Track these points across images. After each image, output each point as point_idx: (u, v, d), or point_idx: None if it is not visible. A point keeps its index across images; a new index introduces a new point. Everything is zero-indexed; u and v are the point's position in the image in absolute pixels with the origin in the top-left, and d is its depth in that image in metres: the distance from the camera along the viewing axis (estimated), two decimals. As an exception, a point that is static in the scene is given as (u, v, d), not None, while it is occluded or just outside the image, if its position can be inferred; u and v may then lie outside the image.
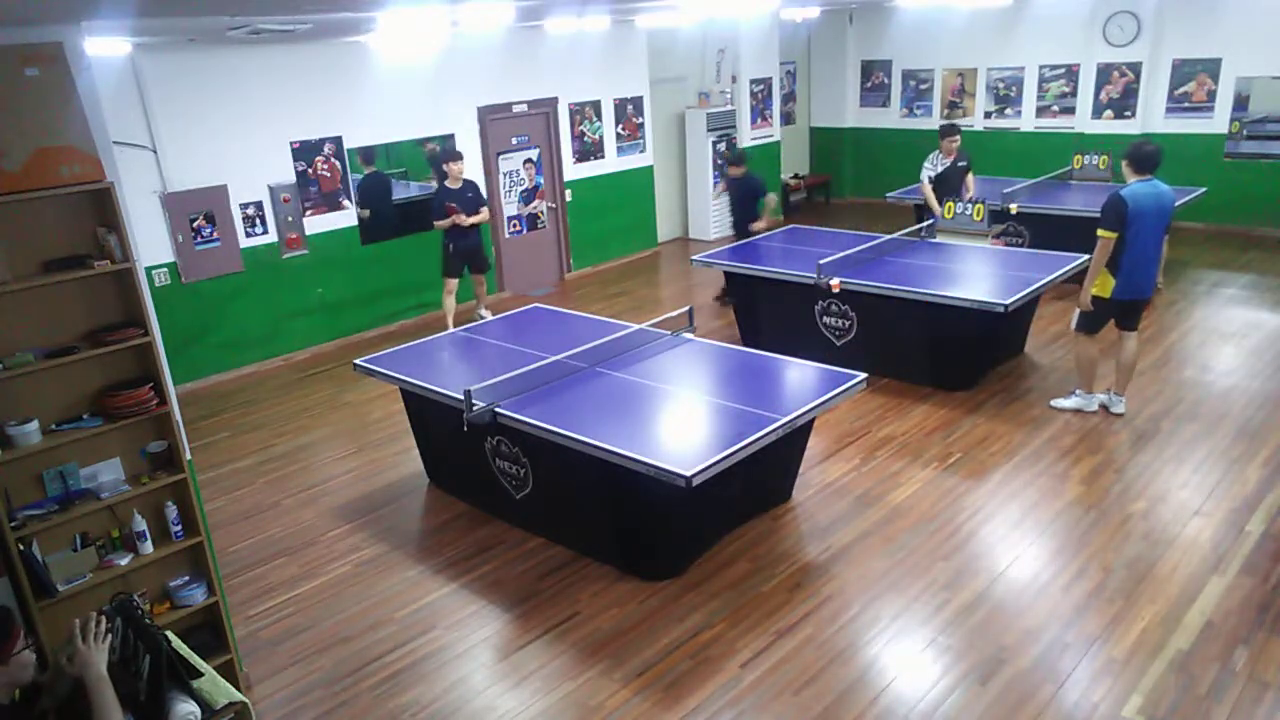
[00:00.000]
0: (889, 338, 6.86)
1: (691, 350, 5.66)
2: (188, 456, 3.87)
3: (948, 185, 8.62)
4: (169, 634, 3.07)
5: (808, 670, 4.01)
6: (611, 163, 11.02)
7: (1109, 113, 11.28)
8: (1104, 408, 6.28)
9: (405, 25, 7.49)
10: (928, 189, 8.63)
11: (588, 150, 10.73)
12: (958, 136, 8.62)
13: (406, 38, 8.54)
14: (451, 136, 9.42)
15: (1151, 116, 11.04)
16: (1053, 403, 6.37)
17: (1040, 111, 11.91)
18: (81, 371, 3.58)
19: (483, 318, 8.40)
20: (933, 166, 8.68)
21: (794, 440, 5.05)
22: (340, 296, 8.87)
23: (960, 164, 8.67)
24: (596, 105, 10.69)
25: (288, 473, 6.33)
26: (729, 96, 11.98)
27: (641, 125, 11.23)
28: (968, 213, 8.08)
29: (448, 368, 5.85)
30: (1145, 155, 5.78)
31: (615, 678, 4.07)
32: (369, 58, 8.56)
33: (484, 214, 8.53)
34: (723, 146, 11.79)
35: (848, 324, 7.09)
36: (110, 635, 2.77)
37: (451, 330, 6.74)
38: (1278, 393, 6.42)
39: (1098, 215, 5.84)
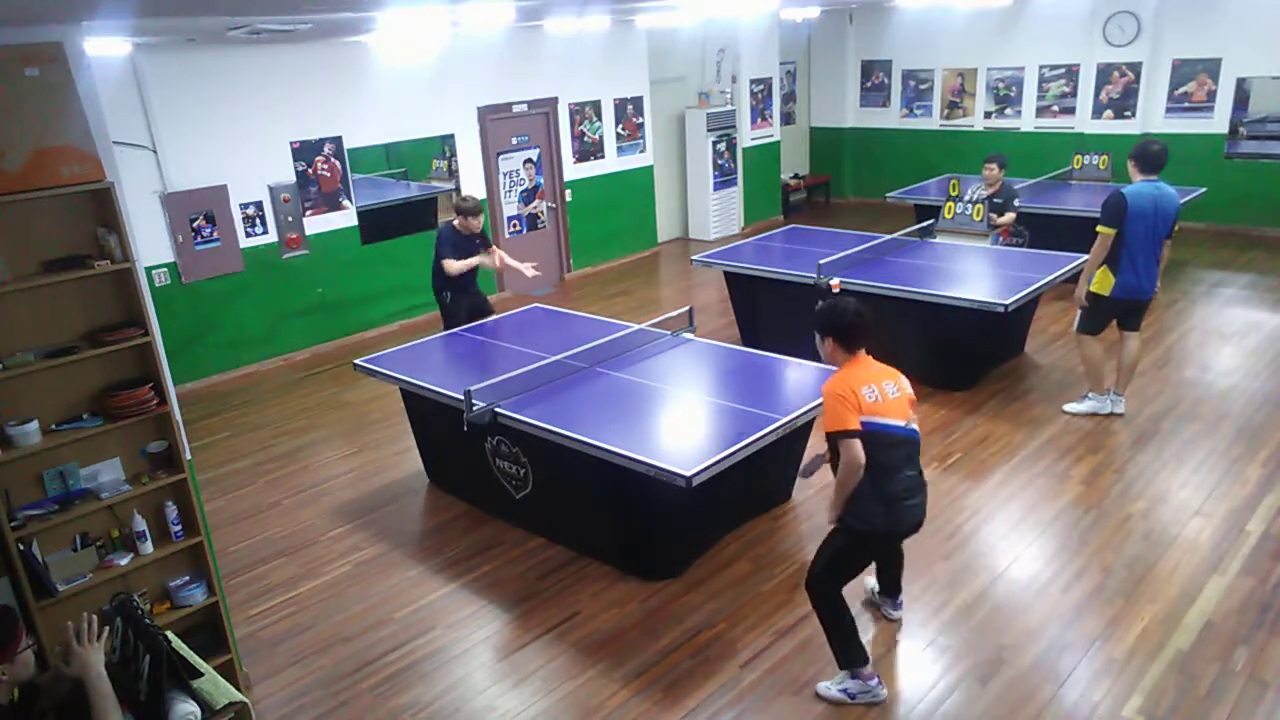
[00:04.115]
0: (889, 338, 6.82)
1: (691, 350, 5.66)
2: (188, 456, 3.87)
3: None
4: (169, 634, 3.07)
5: (808, 670, 4.00)
6: (611, 163, 11.03)
7: (1109, 113, 11.28)
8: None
9: (405, 25, 7.49)
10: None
11: (588, 150, 10.73)
12: (994, 166, 7.96)
13: (406, 38, 8.54)
14: (451, 137, 9.43)
15: (1151, 116, 11.04)
16: (1066, 408, 6.35)
17: (1040, 111, 11.91)
18: (81, 371, 3.58)
19: None
20: (971, 194, 8.17)
21: (794, 440, 5.05)
22: (340, 296, 8.87)
23: (997, 199, 7.97)
24: (596, 105, 10.69)
25: (288, 473, 6.33)
26: (729, 96, 11.98)
27: (641, 125, 11.23)
28: (968, 213, 8.08)
29: (448, 368, 5.85)
30: (1150, 155, 5.78)
31: (615, 678, 4.07)
32: (369, 58, 8.56)
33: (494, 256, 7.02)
34: (722, 147, 11.76)
35: (848, 324, 7.07)
36: (107, 635, 2.77)
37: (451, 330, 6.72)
38: (1278, 393, 6.42)
39: (1099, 214, 5.85)
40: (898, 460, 3.52)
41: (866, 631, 4.24)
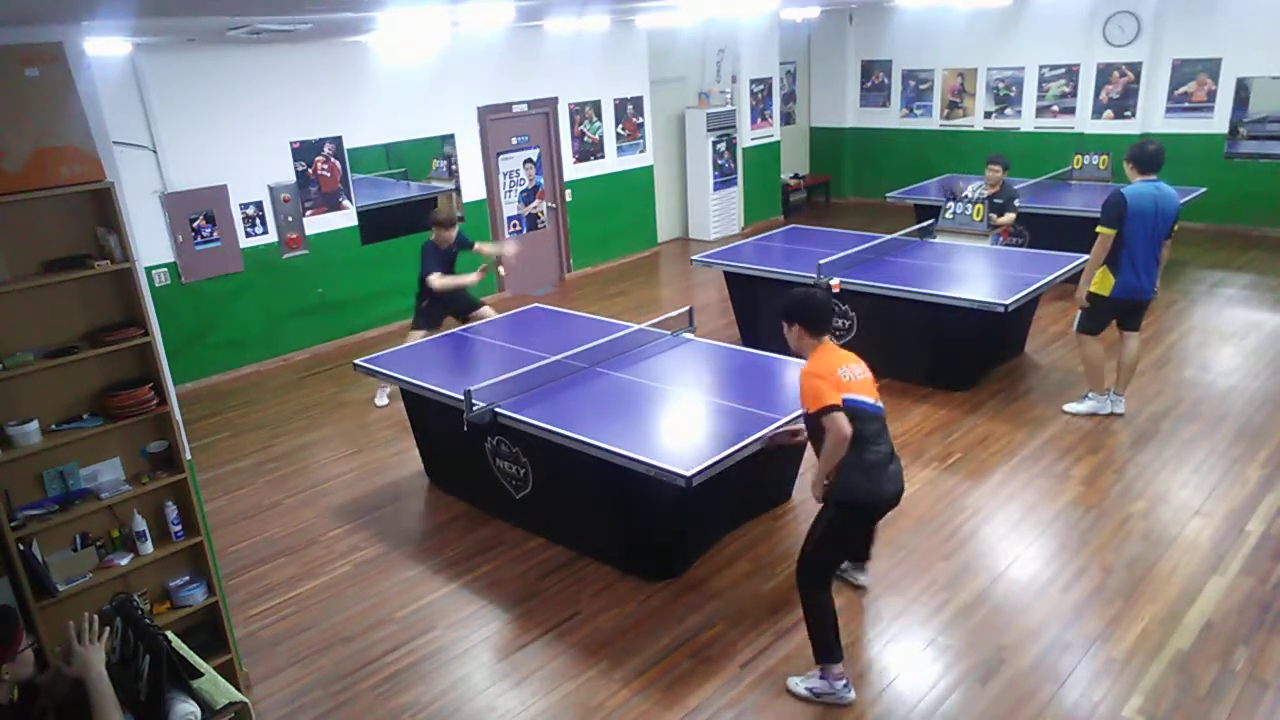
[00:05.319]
0: (889, 338, 6.85)
1: (691, 350, 5.66)
2: (188, 456, 3.87)
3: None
4: (169, 634, 3.07)
5: (808, 670, 4.00)
6: (611, 163, 11.03)
7: (1109, 113, 11.28)
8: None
9: (405, 25, 7.49)
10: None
11: (588, 150, 10.73)
12: (998, 167, 7.98)
13: (406, 38, 8.54)
14: (451, 137, 9.43)
15: (1151, 116, 11.05)
16: (1066, 408, 6.35)
17: (1040, 111, 11.91)
18: (81, 371, 3.58)
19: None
20: (972, 193, 8.22)
21: (794, 440, 5.05)
22: (340, 296, 8.87)
23: (998, 200, 8.00)
24: (596, 105, 10.69)
25: (288, 473, 6.33)
26: (729, 96, 11.98)
27: (641, 125, 11.23)
28: (968, 212, 8.08)
29: (448, 368, 5.85)
30: (1148, 155, 5.78)
31: (615, 678, 4.07)
32: (369, 58, 8.56)
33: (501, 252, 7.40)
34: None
35: (848, 324, 7.09)
36: (108, 635, 2.77)
37: (450, 330, 6.72)
38: (1278, 393, 6.42)
39: (1098, 214, 5.85)
40: (871, 433, 3.69)
41: (861, 630, 4.24)
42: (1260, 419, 6.05)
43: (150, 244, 7.39)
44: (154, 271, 7.56)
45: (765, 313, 7.76)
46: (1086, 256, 6.10)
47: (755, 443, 4.28)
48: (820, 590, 3.81)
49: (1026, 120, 12.05)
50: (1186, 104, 10.81)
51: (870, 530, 4.26)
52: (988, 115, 12.38)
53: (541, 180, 10.42)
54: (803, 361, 3.84)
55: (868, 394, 3.70)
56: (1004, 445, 5.96)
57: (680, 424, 4.70)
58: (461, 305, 7.17)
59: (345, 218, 8.79)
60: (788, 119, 13.66)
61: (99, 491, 3.69)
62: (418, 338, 6.92)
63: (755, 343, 7.30)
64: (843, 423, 3.52)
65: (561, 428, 4.52)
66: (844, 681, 3.80)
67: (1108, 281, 5.87)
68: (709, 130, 11.72)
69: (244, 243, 8.11)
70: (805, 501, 5.45)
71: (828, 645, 3.80)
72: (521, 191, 10.24)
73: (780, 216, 13.09)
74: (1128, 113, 11.13)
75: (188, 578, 3.99)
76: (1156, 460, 5.64)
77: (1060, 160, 10.47)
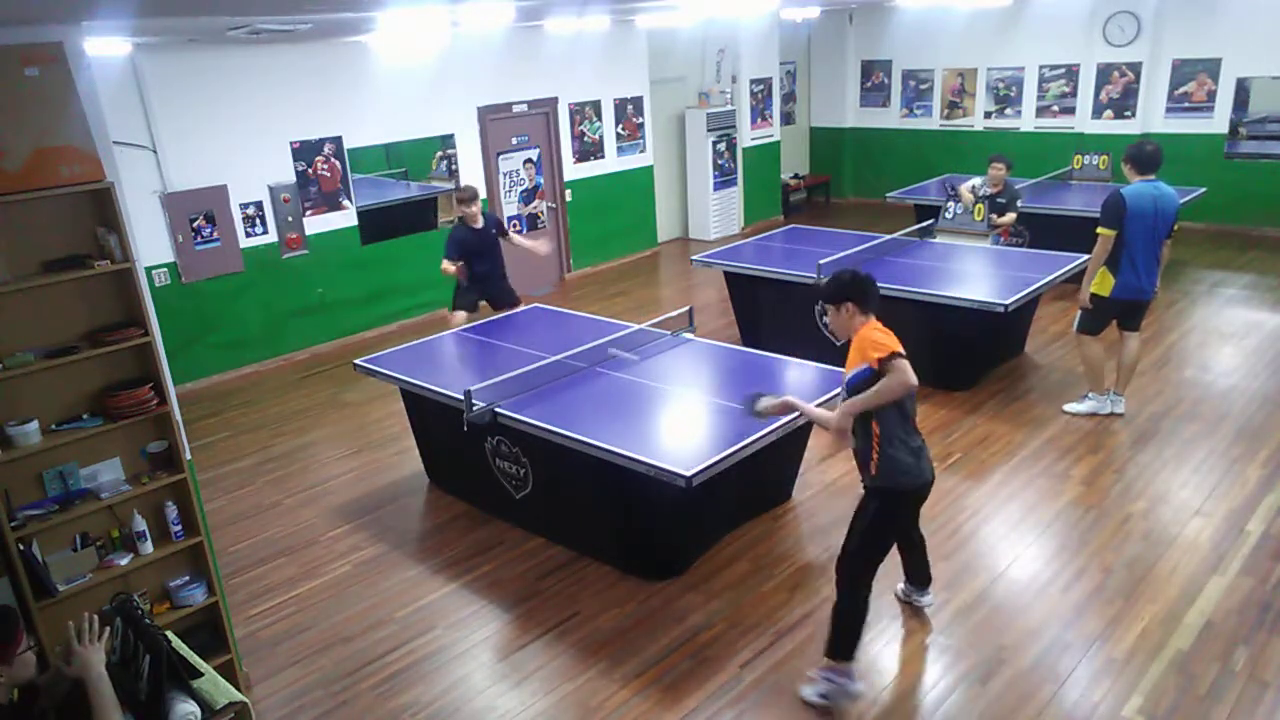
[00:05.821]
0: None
1: (691, 350, 5.66)
2: (188, 456, 3.87)
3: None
4: (169, 634, 3.07)
5: (807, 670, 4.00)
6: (611, 163, 11.02)
7: (1109, 113, 11.28)
8: (1104, 408, 6.29)
9: (405, 25, 7.49)
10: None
11: (588, 150, 10.73)
12: (1001, 166, 7.99)
13: (406, 38, 8.54)
14: (451, 136, 9.43)
15: (1151, 116, 11.05)
16: (1066, 408, 6.35)
17: (1040, 111, 11.91)
18: (81, 371, 3.58)
19: None
20: (971, 192, 8.19)
21: (794, 440, 5.05)
22: (340, 296, 8.87)
23: (1000, 199, 7.99)
24: (596, 105, 10.69)
25: (288, 473, 6.33)
26: (729, 96, 11.98)
27: (641, 125, 11.23)
28: (968, 212, 8.08)
29: (448, 368, 5.85)
30: (1146, 155, 5.78)
31: (615, 678, 4.07)
32: (369, 58, 8.56)
33: (535, 244, 7.46)
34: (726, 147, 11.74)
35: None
36: (108, 635, 2.77)
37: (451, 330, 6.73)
38: (1278, 393, 6.42)
39: (1098, 215, 5.85)
40: (913, 411, 3.69)
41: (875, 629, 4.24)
42: (1260, 419, 6.05)
43: (150, 244, 7.39)
44: (154, 271, 7.56)
45: (765, 313, 7.77)
46: (1086, 257, 6.10)
47: (758, 418, 4.21)
48: (862, 587, 3.76)
49: (1026, 120, 12.05)
50: (1186, 104, 10.81)
51: (918, 513, 4.08)
52: (988, 115, 12.38)
53: (541, 180, 10.42)
54: (805, 362, 3.80)
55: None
56: (1004, 445, 5.96)
57: (680, 424, 4.70)
58: (498, 296, 7.18)
59: (345, 218, 8.79)
60: (788, 119, 13.66)
61: (99, 491, 3.69)
62: (460, 321, 6.95)
63: (755, 343, 7.31)
64: (908, 370, 3.42)
65: (561, 428, 4.52)
66: (850, 677, 3.81)
67: (1108, 282, 5.87)
68: (709, 130, 11.72)
69: (244, 243, 8.11)
70: (805, 502, 5.46)
71: (851, 643, 3.79)
72: (521, 191, 10.24)
73: (780, 216, 13.09)
74: (1128, 113, 11.13)
75: (188, 578, 3.99)
76: (1156, 460, 5.64)
77: (1060, 160, 10.47)
